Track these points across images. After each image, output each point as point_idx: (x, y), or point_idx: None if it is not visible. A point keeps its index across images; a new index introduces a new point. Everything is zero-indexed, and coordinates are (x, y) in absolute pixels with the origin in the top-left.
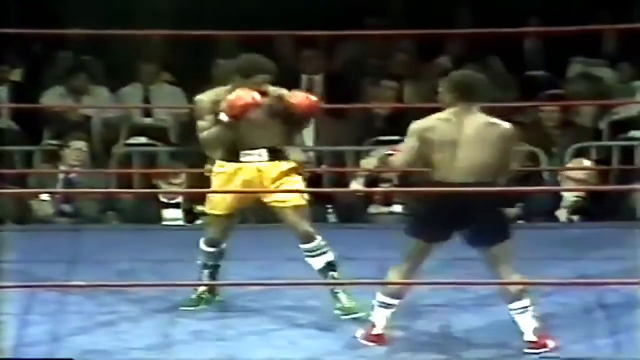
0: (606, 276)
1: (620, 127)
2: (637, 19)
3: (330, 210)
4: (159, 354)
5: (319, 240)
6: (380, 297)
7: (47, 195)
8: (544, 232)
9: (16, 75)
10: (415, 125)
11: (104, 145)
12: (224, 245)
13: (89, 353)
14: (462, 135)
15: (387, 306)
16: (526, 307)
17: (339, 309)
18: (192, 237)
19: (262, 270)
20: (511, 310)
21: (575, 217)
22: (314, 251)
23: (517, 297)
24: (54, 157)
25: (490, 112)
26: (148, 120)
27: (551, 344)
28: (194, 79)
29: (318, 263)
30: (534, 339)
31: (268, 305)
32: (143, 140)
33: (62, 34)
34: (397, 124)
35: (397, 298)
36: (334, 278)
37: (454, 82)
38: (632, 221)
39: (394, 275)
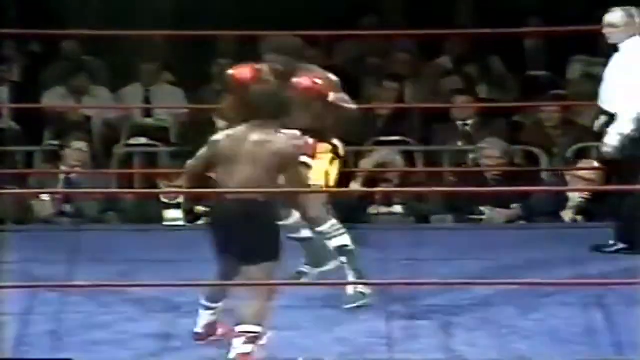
0: (607, 277)
1: None
2: None
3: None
4: (159, 354)
5: (328, 224)
6: (201, 300)
7: (48, 195)
8: (545, 231)
9: (14, 74)
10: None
11: (105, 145)
12: None
13: (89, 353)
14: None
15: (206, 308)
16: (253, 334)
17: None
18: (193, 238)
19: None
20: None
21: (579, 218)
22: (325, 234)
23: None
24: (54, 157)
25: (484, 111)
26: (149, 120)
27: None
28: (195, 79)
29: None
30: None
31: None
32: (143, 140)
33: (62, 34)
34: (398, 124)
35: (215, 302)
36: (342, 263)
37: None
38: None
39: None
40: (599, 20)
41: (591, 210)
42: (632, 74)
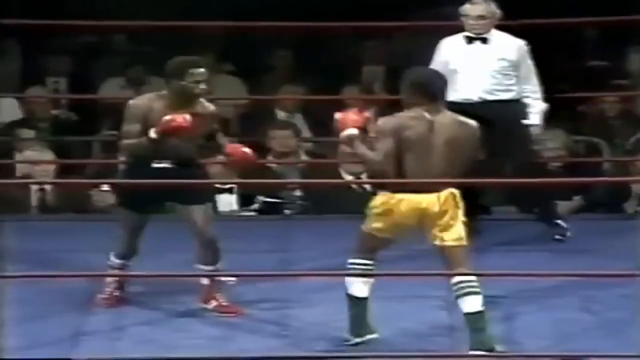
0: None
1: None
2: None
3: None
4: (221, 345)
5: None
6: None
7: (107, 185)
8: (606, 222)
9: (69, 66)
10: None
11: None
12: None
13: (147, 343)
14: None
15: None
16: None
17: None
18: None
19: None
20: None
21: None
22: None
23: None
24: (112, 147)
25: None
26: None
27: None
28: (254, 69)
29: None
30: None
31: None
32: None
33: (117, 25)
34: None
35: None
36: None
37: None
38: None
39: None
40: None
41: None
42: None
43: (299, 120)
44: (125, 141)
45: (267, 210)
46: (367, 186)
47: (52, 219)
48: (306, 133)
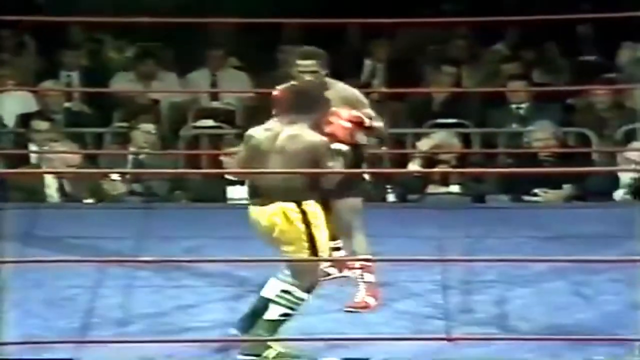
0: None
1: None
2: None
3: (389, 190)
4: (225, 327)
5: None
6: None
7: (117, 174)
8: (596, 210)
9: (82, 59)
10: None
11: (172, 127)
12: None
13: (158, 325)
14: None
15: None
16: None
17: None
18: None
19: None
20: None
21: (630, 197)
22: None
23: None
24: (123, 139)
25: (539, 94)
26: (215, 104)
27: None
28: (260, 64)
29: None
30: None
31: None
32: (210, 122)
33: (129, 21)
34: (455, 107)
35: None
36: None
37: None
38: None
39: None
40: None
41: None
42: None
43: None
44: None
45: None
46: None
47: (69, 207)
48: None
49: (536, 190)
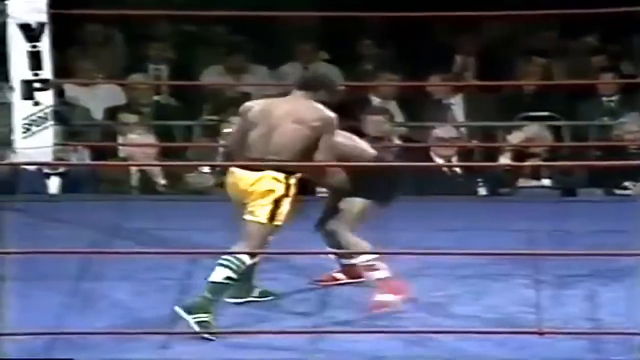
0: None
1: None
2: None
3: (480, 183)
4: (315, 319)
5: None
6: None
7: (207, 167)
8: None
9: (170, 53)
10: None
11: None
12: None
13: (246, 316)
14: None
15: None
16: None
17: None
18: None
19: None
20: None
21: None
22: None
23: None
24: (212, 132)
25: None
26: None
27: None
28: (349, 57)
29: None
30: None
31: None
32: None
33: (218, 15)
34: (545, 100)
35: None
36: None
37: None
38: None
39: None
40: None
41: None
42: None
43: (393, 106)
44: None
45: None
46: None
47: (152, 199)
48: (399, 118)
49: (626, 183)
